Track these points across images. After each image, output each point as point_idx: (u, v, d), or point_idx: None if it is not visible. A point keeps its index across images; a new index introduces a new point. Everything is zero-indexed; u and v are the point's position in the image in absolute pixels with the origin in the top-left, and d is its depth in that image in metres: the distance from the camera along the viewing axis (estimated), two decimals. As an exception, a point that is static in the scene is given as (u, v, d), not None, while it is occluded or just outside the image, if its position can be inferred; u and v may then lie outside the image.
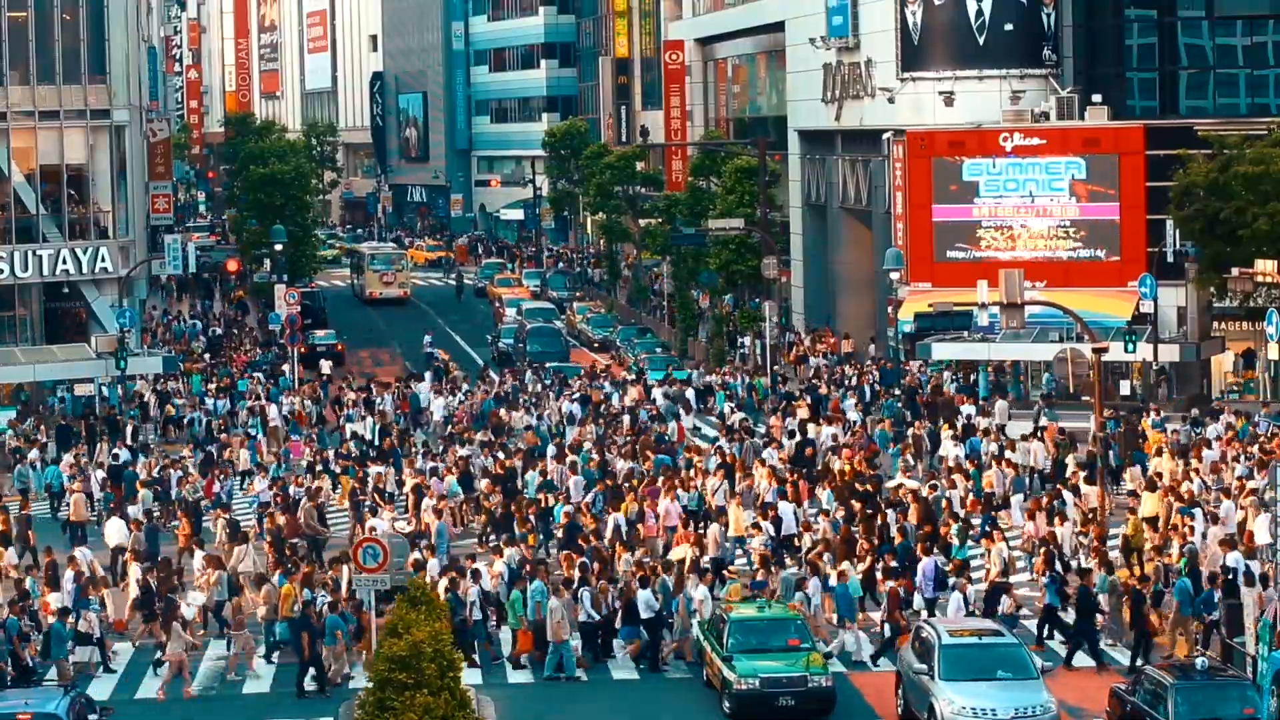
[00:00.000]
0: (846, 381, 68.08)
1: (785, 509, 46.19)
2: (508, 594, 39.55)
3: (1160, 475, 48.24)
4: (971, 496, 48.16)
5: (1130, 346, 59.40)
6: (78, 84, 73.37)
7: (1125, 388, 64.17)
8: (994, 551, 41.70)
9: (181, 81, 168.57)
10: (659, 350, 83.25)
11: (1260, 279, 56.53)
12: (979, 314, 57.63)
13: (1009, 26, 70.26)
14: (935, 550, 41.79)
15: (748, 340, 77.40)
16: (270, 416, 63.52)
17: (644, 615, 38.28)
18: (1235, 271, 57.83)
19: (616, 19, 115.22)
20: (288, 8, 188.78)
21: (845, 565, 40.65)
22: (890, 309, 71.62)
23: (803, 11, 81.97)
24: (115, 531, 46.28)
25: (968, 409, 59.36)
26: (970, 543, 43.88)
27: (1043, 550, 41.94)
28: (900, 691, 34.56)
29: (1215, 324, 66.45)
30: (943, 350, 65.23)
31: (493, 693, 36.37)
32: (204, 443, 60.54)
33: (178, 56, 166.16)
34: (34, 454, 57.64)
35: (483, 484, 50.69)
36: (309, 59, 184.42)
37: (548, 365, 76.37)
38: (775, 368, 72.30)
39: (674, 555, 43.36)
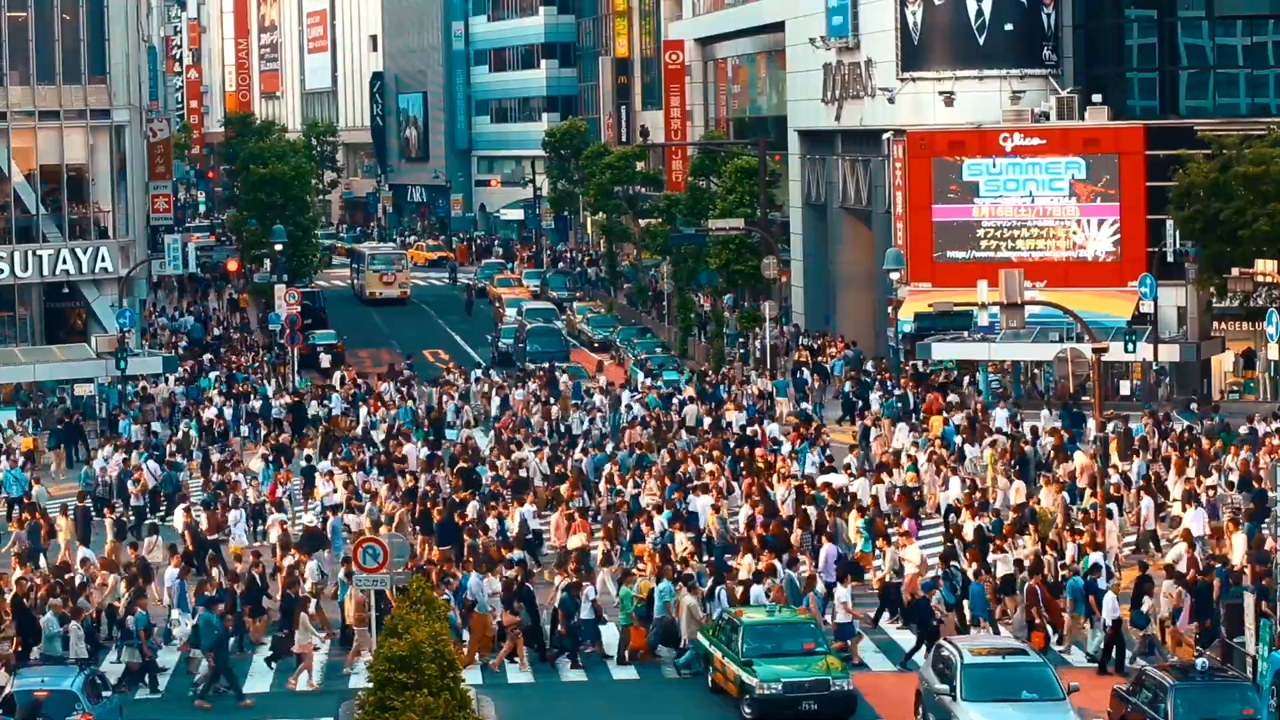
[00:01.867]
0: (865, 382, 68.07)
1: (702, 504, 46.41)
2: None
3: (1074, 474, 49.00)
4: (898, 492, 48.33)
5: (1130, 346, 59.44)
6: (78, 84, 73.34)
7: (1125, 388, 64.32)
8: (889, 553, 41.74)
9: (181, 81, 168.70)
10: (659, 350, 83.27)
11: (1260, 279, 56.55)
12: (979, 314, 57.65)
13: (1009, 26, 70.25)
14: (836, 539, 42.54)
15: (754, 342, 77.34)
16: (208, 417, 63.74)
17: None
18: (1235, 271, 57.85)
19: (616, 19, 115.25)
20: (288, 8, 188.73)
21: (746, 560, 40.82)
22: (890, 309, 71.61)
23: (803, 11, 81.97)
24: (182, 520, 47.36)
25: (1001, 412, 59.00)
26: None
27: (943, 546, 42.01)
28: (920, 711, 33.94)
29: (1215, 324, 66.50)
30: (943, 350, 65.26)
31: (493, 693, 36.36)
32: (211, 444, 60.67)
33: (178, 56, 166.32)
34: (106, 450, 57.25)
35: (563, 488, 49.94)
36: (309, 59, 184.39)
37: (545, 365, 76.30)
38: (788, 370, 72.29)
39: (571, 544, 43.70)
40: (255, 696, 37.13)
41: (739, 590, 39.12)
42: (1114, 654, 37.01)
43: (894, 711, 35.09)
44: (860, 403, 63.95)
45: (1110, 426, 51.59)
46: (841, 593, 38.73)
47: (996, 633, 38.64)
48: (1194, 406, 59.16)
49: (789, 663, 34.86)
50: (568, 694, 37.21)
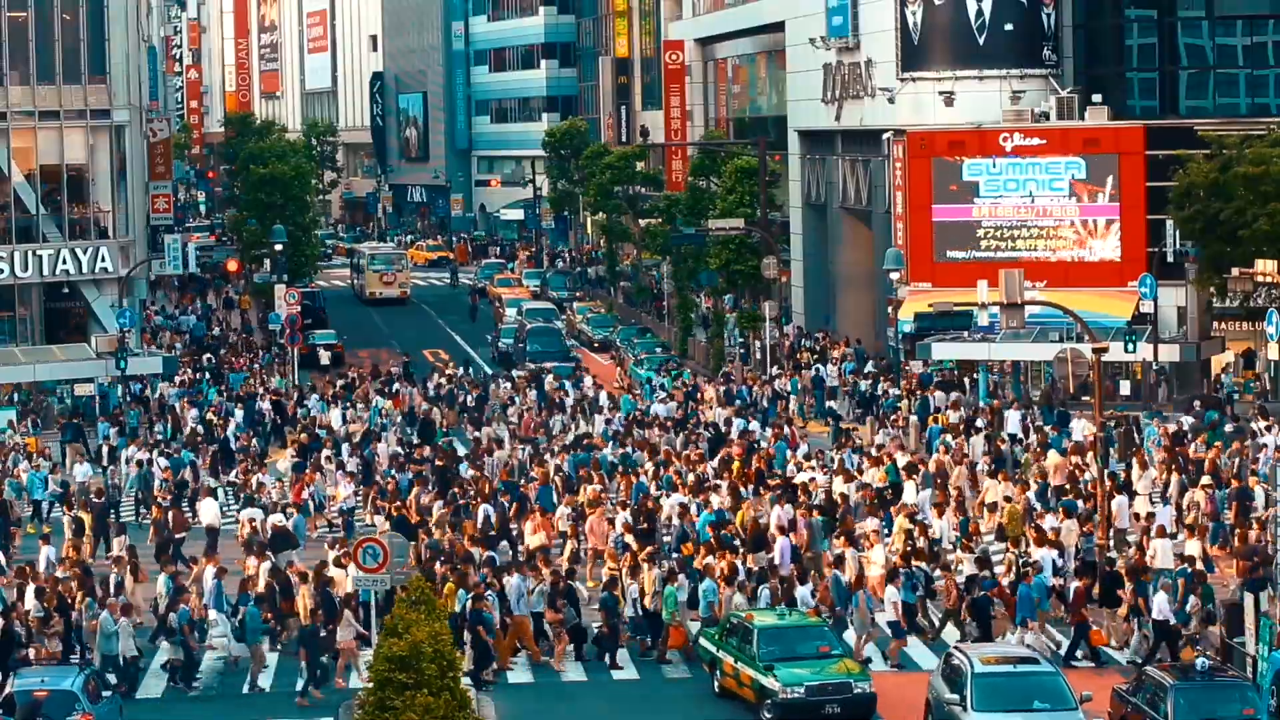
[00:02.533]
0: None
1: (672, 501, 46.50)
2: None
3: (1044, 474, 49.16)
4: (868, 491, 48.31)
5: (1130, 346, 59.44)
6: (78, 84, 73.34)
7: (1125, 388, 64.29)
8: (849, 553, 41.65)
9: (181, 81, 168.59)
10: (659, 350, 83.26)
11: (1260, 279, 56.59)
12: (979, 314, 57.62)
13: (1009, 26, 70.23)
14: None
15: (755, 342, 77.32)
16: (188, 419, 63.73)
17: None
18: (1235, 271, 57.87)
19: (616, 19, 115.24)
20: (288, 8, 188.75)
21: (711, 559, 40.86)
22: (890, 309, 71.60)
23: (803, 11, 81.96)
24: (208, 511, 47.99)
25: (1014, 415, 58.85)
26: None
27: (902, 545, 42.00)
28: None
29: (1215, 324, 66.49)
30: (943, 350, 65.23)
31: (493, 693, 36.35)
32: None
33: (178, 56, 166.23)
34: (130, 450, 57.03)
35: (588, 490, 49.44)
36: (309, 59, 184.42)
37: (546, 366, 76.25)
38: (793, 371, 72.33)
39: (531, 542, 43.73)
40: (256, 696, 37.15)
41: (780, 589, 39.19)
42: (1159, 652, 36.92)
43: (896, 714, 35.02)
44: (872, 404, 64.23)
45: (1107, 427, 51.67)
46: (891, 592, 38.74)
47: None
48: (1197, 404, 59.17)
49: (807, 666, 34.70)
50: (568, 694, 37.21)
